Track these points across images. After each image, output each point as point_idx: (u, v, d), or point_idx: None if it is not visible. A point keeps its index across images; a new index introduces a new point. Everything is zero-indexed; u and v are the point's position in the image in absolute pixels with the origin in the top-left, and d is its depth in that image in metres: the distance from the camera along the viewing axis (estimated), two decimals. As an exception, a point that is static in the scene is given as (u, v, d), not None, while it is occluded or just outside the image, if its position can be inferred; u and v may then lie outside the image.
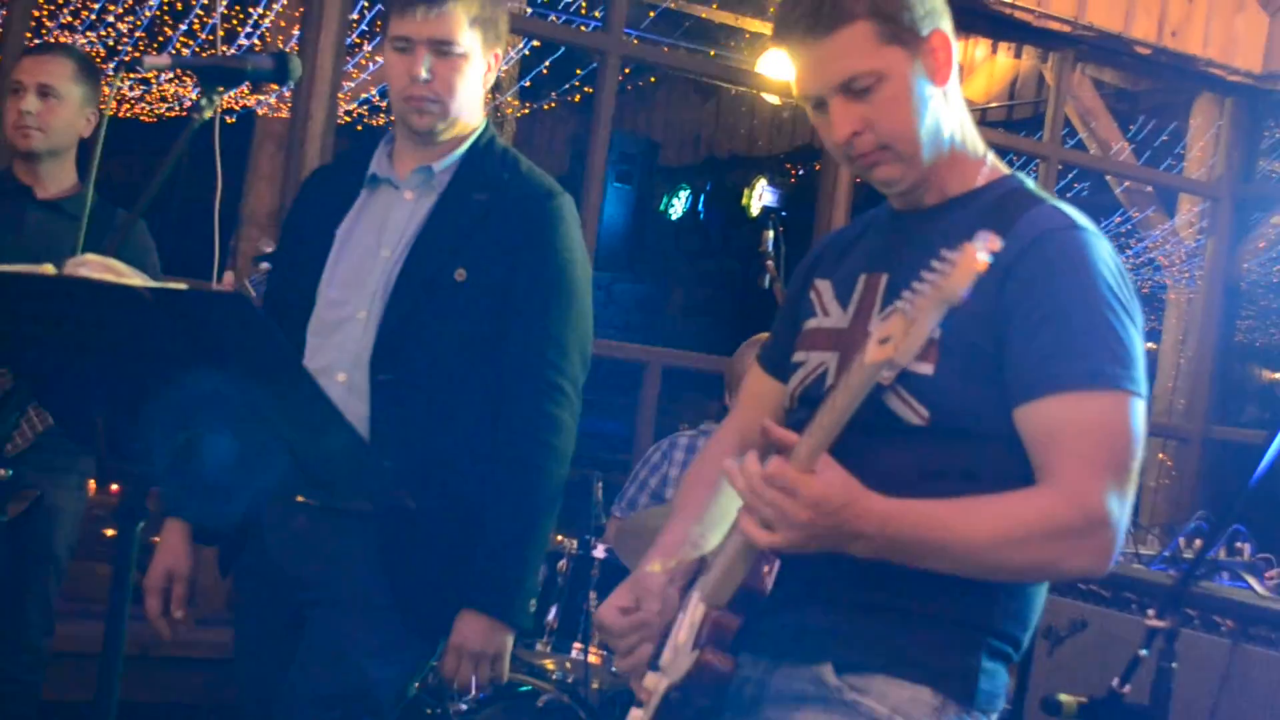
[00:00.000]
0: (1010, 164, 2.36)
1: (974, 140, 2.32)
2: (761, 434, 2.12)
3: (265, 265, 3.32)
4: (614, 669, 4.09)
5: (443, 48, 2.96)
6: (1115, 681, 3.31)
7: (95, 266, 2.15)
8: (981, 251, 1.92)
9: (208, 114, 2.59)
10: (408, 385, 2.92)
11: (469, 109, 3.04)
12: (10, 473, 3.82)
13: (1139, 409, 2.11)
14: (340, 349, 2.96)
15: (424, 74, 2.95)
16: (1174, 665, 3.36)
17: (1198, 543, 4.42)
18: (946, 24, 2.25)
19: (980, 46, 8.64)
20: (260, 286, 3.26)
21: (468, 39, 2.97)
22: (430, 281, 2.95)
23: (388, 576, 2.92)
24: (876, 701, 2.17)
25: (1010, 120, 9.44)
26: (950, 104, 2.26)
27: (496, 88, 7.48)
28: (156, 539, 3.15)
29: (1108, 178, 7.73)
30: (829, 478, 2.00)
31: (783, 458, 2.02)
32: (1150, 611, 3.45)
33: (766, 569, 2.15)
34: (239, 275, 4.91)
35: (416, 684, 3.09)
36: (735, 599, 2.18)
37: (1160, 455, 7.52)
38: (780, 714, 2.22)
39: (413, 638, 2.98)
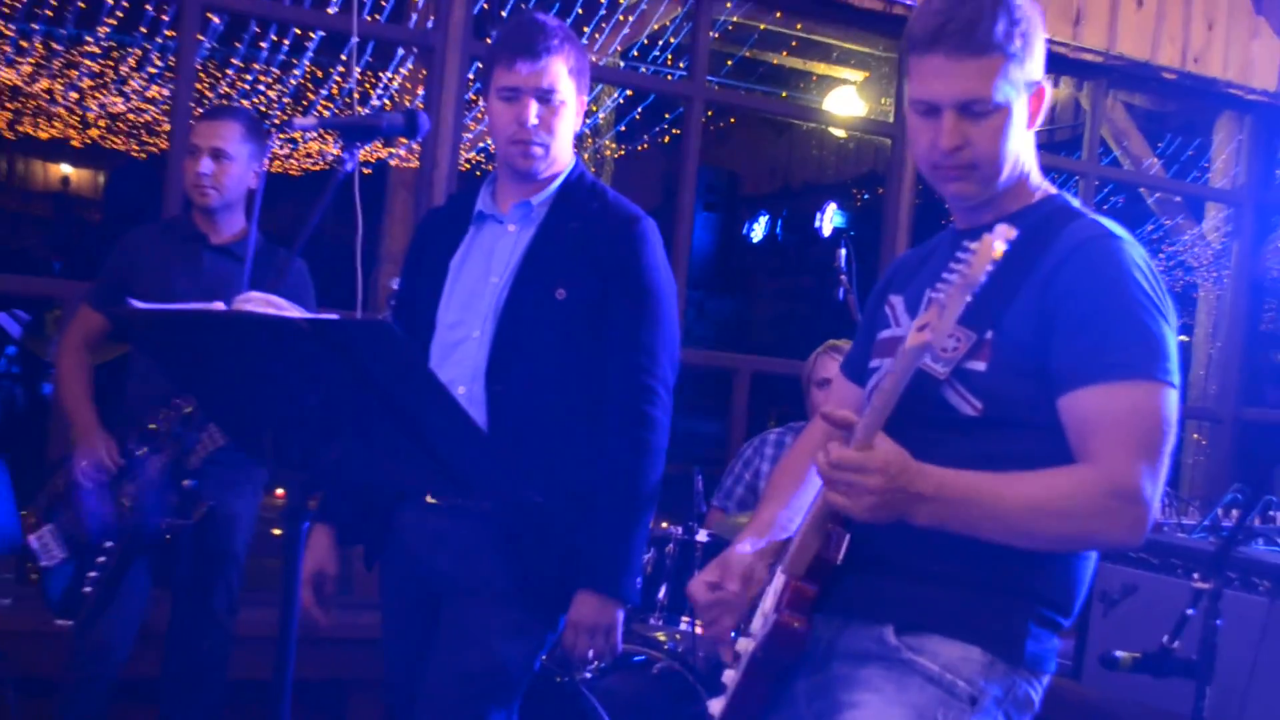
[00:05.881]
0: (1052, 181, 2.35)
1: (1035, 171, 2.30)
2: (823, 418, 2.14)
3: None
4: (698, 634, 4.08)
5: (546, 96, 2.97)
6: (1166, 638, 3.27)
7: (259, 302, 2.17)
8: (998, 241, 1.93)
9: (349, 166, 2.62)
10: (519, 394, 2.94)
11: (564, 149, 3.05)
12: (194, 484, 3.89)
13: (1170, 397, 2.08)
14: (459, 365, 2.99)
15: (533, 119, 2.97)
16: (1218, 622, 3.32)
17: (1235, 512, 4.35)
18: (1046, 80, 2.24)
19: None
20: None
21: (566, 87, 2.99)
22: (535, 301, 2.97)
23: (510, 565, 2.95)
24: (930, 660, 2.17)
25: (1052, 143, 9.30)
26: (1028, 143, 2.26)
27: (596, 132, 7.52)
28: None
29: (1140, 190, 7.62)
30: (886, 447, 2.02)
31: (839, 442, 2.04)
32: (1195, 575, 3.42)
33: (838, 542, 2.19)
34: (377, 307, 4.97)
35: (543, 657, 3.10)
36: (811, 570, 2.22)
37: (1195, 435, 7.43)
38: (847, 669, 2.24)
39: (535, 618, 3.01)
